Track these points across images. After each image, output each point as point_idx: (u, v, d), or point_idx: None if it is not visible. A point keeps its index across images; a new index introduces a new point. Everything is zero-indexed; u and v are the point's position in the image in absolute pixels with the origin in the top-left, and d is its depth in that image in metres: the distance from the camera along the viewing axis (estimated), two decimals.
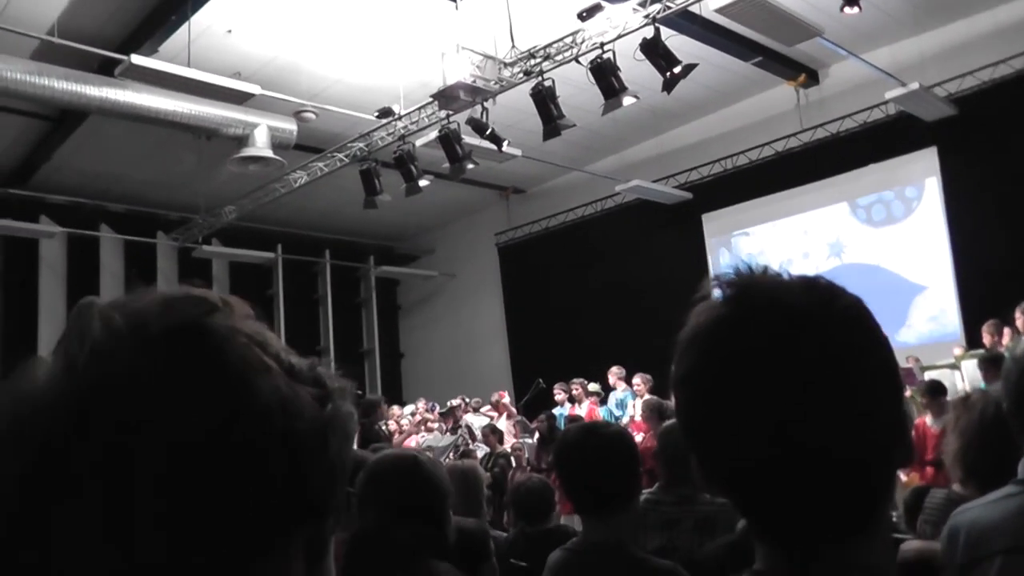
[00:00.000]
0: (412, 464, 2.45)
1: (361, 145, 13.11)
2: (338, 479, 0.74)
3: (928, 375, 9.52)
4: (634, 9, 9.84)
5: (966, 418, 2.85)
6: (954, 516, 2.00)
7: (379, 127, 12.66)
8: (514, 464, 10.86)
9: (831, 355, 0.92)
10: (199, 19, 10.29)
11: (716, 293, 0.99)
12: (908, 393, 9.19)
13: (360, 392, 17.10)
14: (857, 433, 0.92)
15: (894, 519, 5.28)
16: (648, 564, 2.38)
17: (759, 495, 0.95)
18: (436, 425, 13.33)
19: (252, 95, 10.71)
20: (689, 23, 10.71)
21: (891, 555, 0.99)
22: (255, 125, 12.43)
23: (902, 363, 9.99)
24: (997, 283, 11.23)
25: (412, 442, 12.89)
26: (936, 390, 8.28)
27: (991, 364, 6.79)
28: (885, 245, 13.77)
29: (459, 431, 12.43)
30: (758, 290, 0.97)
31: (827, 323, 0.94)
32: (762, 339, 0.93)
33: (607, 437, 2.57)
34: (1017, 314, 9.06)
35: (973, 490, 2.74)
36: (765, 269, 0.99)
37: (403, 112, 12.14)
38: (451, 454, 11.55)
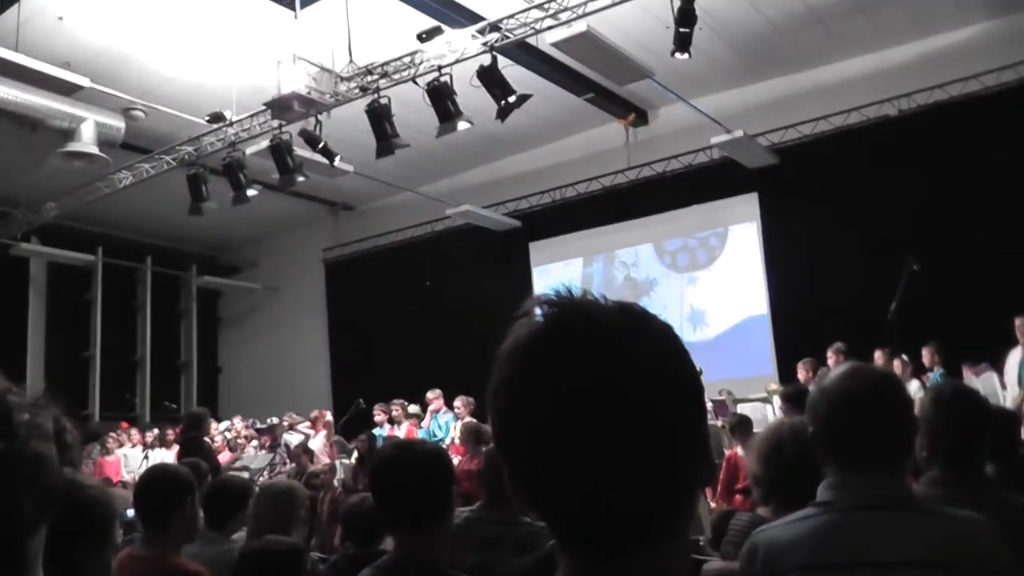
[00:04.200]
0: None
1: (190, 149, 12.74)
2: (16, 520, 0.69)
3: (741, 407, 9.87)
4: (473, 36, 9.96)
5: (768, 444, 2.98)
6: (753, 535, 2.10)
7: (209, 131, 12.34)
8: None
9: (641, 372, 0.95)
10: (31, 2, 9.88)
11: (537, 311, 1.01)
12: (720, 424, 9.54)
13: (175, 407, 16.62)
14: (661, 448, 0.95)
15: (701, 542, 5.48)
16: None
17: (566, 504, 0.97)
18: (254, 443, 13.05)
19: (81, 87, 10.30)
20: (526, 55, 10.92)
21: (685, 566, 1.02)
22: (82, 119, 11.91)
23: (715, 396, 10.39)
24: (809, 323, 11.92)
25: (223, 458, 12.59)
26: (744, 423, 8.62)
27: (794, 398, 7.09)
28: (694, 287, 14.46)
29: (276, 450, 12.20)
30: (575, 309, 1.00)
31: (639, 342, 0.97)
32: (575, 353, 0.95)
33: (422, 454, 2.57)
34: (829, 353, 9.56)
35: (774, 512, 2.88)
36: (584, 292, 1.02)
37: (235, 118, 11.87)
38: (267, 473, 11.32)
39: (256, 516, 4.04)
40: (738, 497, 7.97)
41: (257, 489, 4.68)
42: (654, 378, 0.96)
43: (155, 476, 3.73)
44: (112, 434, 14.49)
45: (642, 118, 14.57)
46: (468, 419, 10.38)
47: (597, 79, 12.22)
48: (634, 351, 0.96)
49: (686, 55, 9.24)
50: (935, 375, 9.38)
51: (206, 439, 10.14)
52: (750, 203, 13.77)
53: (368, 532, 4.43)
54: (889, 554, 1.85)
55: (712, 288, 14.28)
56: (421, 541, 2.51)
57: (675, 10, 8.93)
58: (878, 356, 9.33)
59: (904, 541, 1.86)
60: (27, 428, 0.73)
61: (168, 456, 11.69)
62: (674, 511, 0.98)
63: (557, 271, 15.53)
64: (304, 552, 3.14)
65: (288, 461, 11.79)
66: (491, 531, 3.48)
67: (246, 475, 9.75)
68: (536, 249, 15.93)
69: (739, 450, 8.42)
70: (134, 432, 14.79)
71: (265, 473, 11.27)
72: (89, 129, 11.98)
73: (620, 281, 15.08)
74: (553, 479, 0.96)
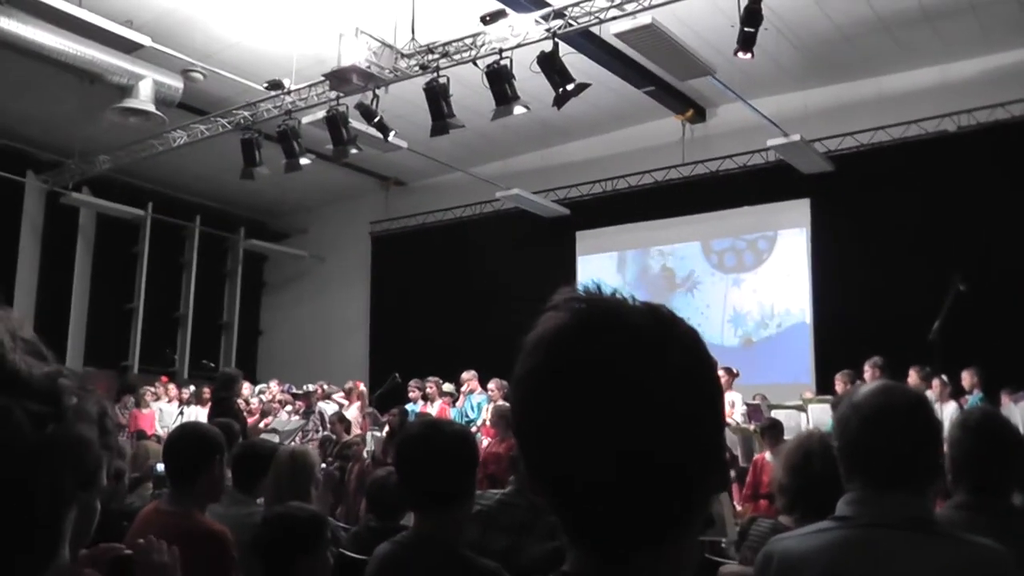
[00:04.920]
0: None
1: (246, 114, 12.86)
2: (58, 500, 0.72)
3: (775, 414, 9.83)
4: (536, 21, 9.95)
5: (797, 454, 2.98)
6: (770, 543, 2.10)
7: (267, 98, 12.45)
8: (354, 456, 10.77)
9: (665, 375, 0.96)
10: None
11: (565, 305, 1.02)
12: (752, 428, 9.50)
13: (213, 365, 16.80)
14: (679, 451, 0.96)
15: (723, 544, 5.48)
16: (472, 563, 2.40)
17: (576, 498, 0.98)
18: (288, 408, 13.17)
19: (141, 46, 10.42)
20: (588, 43, 10.86)
21: (693, 567, 1.03)
22: (141, 77, 12.05)
23: (750, 400, 10.35)
24: (850, 335, 11.78)
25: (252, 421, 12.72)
26: (774, 427, 8.57)
27: None
28: (739, 288, 14.37)
29: (310, 416, 12.31)
30: (604, 306, 1.01)
31: (665, 345, 0.98)
32: (602, 351, 0.96)
33: (449, 434, 2.58)
34: (866, 367, 9.47)
35: (795, 521, 2.87)
36: (614, 291, 1.03)
37: (293, 87, 11.95)
38: (298, 438, 11.42)
39: (274, 480, 4.08)
40: (763, 502, 7.94)
41: None
42: (676, 383, 0.96)
43: (186, 434, 3.79)
44: (150, 388, 14.68)
45: (700, 115, 14.49)
46: (500, 402, 10.40)
47: (658, 72, 12.15)
48: (658, 354, 0.97)
49: (749, 55, 9.16)
50: (973, 398, 9.28)
51: (237, 400, 10.25)
52: (801, 209, 13.66)
53: (391, 506, 4.47)
54: (902, 574, 1.84)
55: (756, 291, 14.19)
56: (440, 520, 2.53)
57: (741, 9, 8.86)
58: (912, 374, 9.25)
59: (919, 563, 1.85)
60: (74, 412, 0.76)
61: (202, 414, 11.82)
62: (683, 517, 0.99)
63: (602, 262, 15.50)
64: (325, 520, 3.17)
65: (321, 429, 11.88)
66: (523, 516, 3.48)
67: (276, 438, 9.84)
68: (582, 238, 15.89)
69: (767, 455, 8.39)
70: (171, 387, 14.96)
71: (297, 439, 11.38)
72: (147, 87, 12.12)
73: (661, 275, 15.05)
74: (564, 474, 0.97)
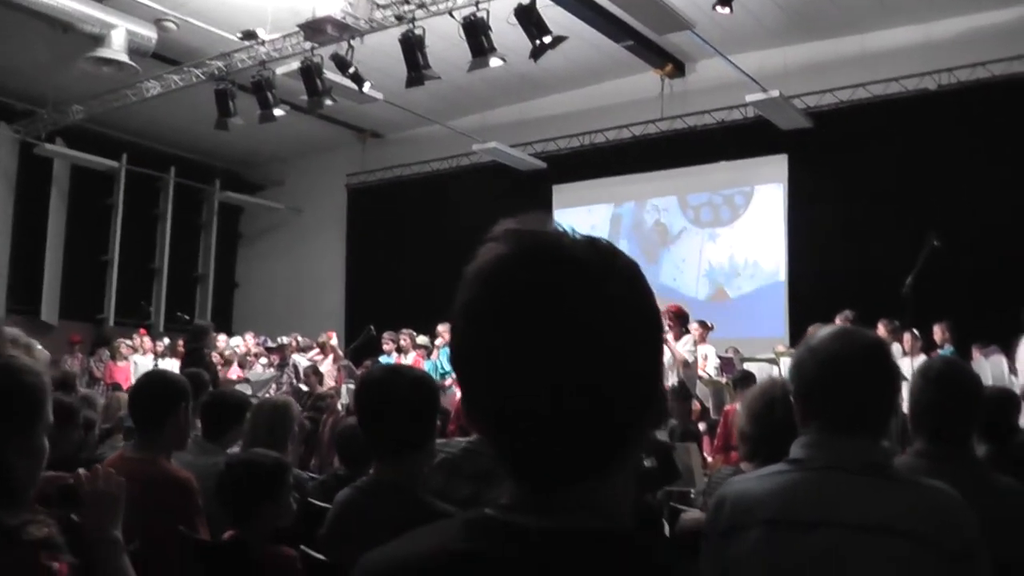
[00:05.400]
0: None
1: (220, 64, 12.73)
2: None
3: (747, 367, 9.86)
4: None
5: (760, 401, 2.98)
6: (723, 487, 2.10)
7: (241, 49, 12.32)
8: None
9: (603, 307, 0.95)
10: None
11: (505, 238, 1.01)
12: (725, 381, 9.55)
13: (188, 318, 16.73)
14: (615, 384, 0.95)
15: (692, 495, 5.52)
16: (432, 508, 2.40)
17: (511, 431, 0.97)
18: (263, 360, 13.16)
19: None
20: None
21: (628, 501, 1.03)
22: (113, 26, 11.90)
23: (722, 353, 10.40)
24: (825, 289, 11.87)
25: (233, 374, 12.71)
26: (746, 379, 8.58)
27: None
28: (714, 243, 14.40)
29: (284, 369, 12.29)
30: (543, 237, 0.99)
31: (604, 277, 0.96)
32: (540, 282, 0.95)
33: (408, 380, 2.57)
34: (837, 321, 9.49)
35: (757, 468, 2.88)
36: (556, 224, 1.02)
37: (267, 38, 11.83)
38: (271, 390, 11.42)
39: (252, 430, 4.07)
40: (734, 453, 7.98)
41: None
42: (614, 315, 0.95)
43: (150, 381, 3.77)
44: (125, 341, 14.62)
45: (679, 70, 14.42)
46: None
47: (637, 26, 12.06)
48: (597, 286, 0.96)
49: (728, 10, 9.13)
50: (944, 352, 9.34)
51: (209, 351, 10.22)
52: (779, 165, 13.66)
53: (359, 456, 4.46)
54: (855, 517, 1.84)
55: (732, 246, 14.22)
56: (400, 467, 2.53)
57: None
58: (881, 328, 9.35)
59: (871, 506, 1.85)
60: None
61: (177, 366, 11.80)
62: (618, 450, 0.99)
63: (579, 215, 15.48)
64: (289, 466, 3.17)
65: (294, 381, 11.87)
66: (487, 464, 3.49)
67: (248, 389, 9.84)
68: (559, 192, 15.87)
69: (738, 406, 8.42)
70: (146, 340, 14.91)
71: (271, 391, 11.37)
72: (120, 36, 11.97)
73: (650, 226, 15.04)
74: (500, 406, 0.97)
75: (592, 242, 1.00)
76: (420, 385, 2.54)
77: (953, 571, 1.80)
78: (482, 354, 0.98)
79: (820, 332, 2.09)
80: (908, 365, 7.59)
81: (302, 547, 2.85)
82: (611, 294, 0.96)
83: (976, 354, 9.25)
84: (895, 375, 2.11)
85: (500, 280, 0.97)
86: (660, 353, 1.02)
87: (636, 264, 1.02)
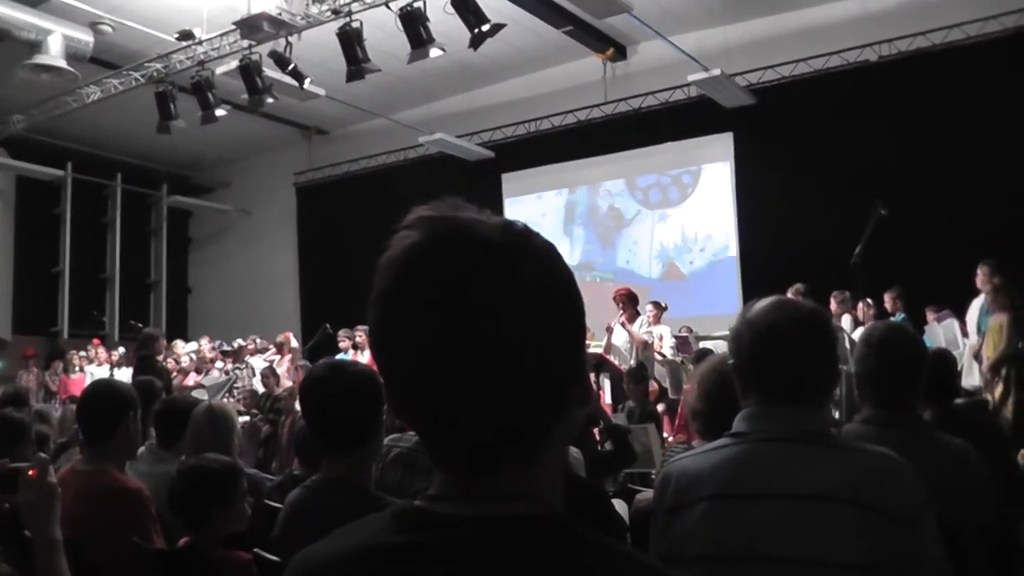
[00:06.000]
0: None
1: (158, 66, 12.58)
2: None
3: (703, 345, 9.92)
4: None
5: (711, 379, 2.99)
6: (668, 463, 2.10)
7: (178, 49, 12.18)
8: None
9: (515, 292, 0.93)
10: None
11: (418, 225, 1.00)
12: (680, 360, 9.60)
13: (141, 326, 16.55)
14: (530, 368, 0.94)
15: (653, 475, 5.54)
16: (382, 503, 2.38)
17: (428, 422, 0.97)
18: (220, 365, 13.04)
19: None
20: None
21: (557, 485, 1.02)
22: (49, 32, 11.68)
23: (677, 332, 10.45)
24: (776, 264, 11.96)
25: (190, 380, 12.59)
26: (704, 357, 8.63)
27: None
28: (665, 224, 14.47)
29: (240, 372, 12.20)
30: (455, 223, 0.98)
31: (516, 260, 0.95)
32: (449, 270, 0.94)
33: (352, 374, 2.55)
34: (789, 294, 9.57)
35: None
36: (469, 208, 1.00)
37: (204, 37, 11.70)
38: (227, 393, 11.33)
39: (193, 437, 4.03)
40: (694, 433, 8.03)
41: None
42: (526, 300, 0.94)
43: (97, 392, 3.71)
44: (78, 353, 14.44)
45: (620, 53, 14.43)
46: None
47: (576, 12, 12.06)
48: (508, 270, 0.94)
49: None
50: (895, 320, 9.45)
51: (158, 358, 10.13)
52: (725, 143, 13.73)
53: (316, 455, 4.44)
54: (800, 487, 1.84)
55: (683, 226, 14.28)
56: (349, 463, 2.51)
57: None
58: (832, 301, 9.51)
59: (816, 475, 1.85)
60: None
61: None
62: (540, 437, 0.98)
63: (529, 203, 15.49)
64: (240, 470, 3.14)
65: (250, 383, 11.79)
66: None
67: (204, 394, 9.74)
68: (508, 180, 15.86)
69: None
70: (101, 351, 14.73)
71: (227, 395, 11.29)
72: (57, 42, 11.76)
73: (604, 211, 15.06)
74: (415, 398, 0.96)
75: (505, 224, 0.99)
76: (362, 380, 2.51)
77: (899, 535, 1.80)
78: (394, 344, 0.97)
79: (757, 304, 2.09)
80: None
81: (256, 550, 2.83)
82: (522, 278, 0.94)
83: (930, 317, 9.38)
84: (834, 344, 2.11)
85: (411, 268, 0.96)
86: (579, 335, 1.01)
87: (553, 246, 1.01)
